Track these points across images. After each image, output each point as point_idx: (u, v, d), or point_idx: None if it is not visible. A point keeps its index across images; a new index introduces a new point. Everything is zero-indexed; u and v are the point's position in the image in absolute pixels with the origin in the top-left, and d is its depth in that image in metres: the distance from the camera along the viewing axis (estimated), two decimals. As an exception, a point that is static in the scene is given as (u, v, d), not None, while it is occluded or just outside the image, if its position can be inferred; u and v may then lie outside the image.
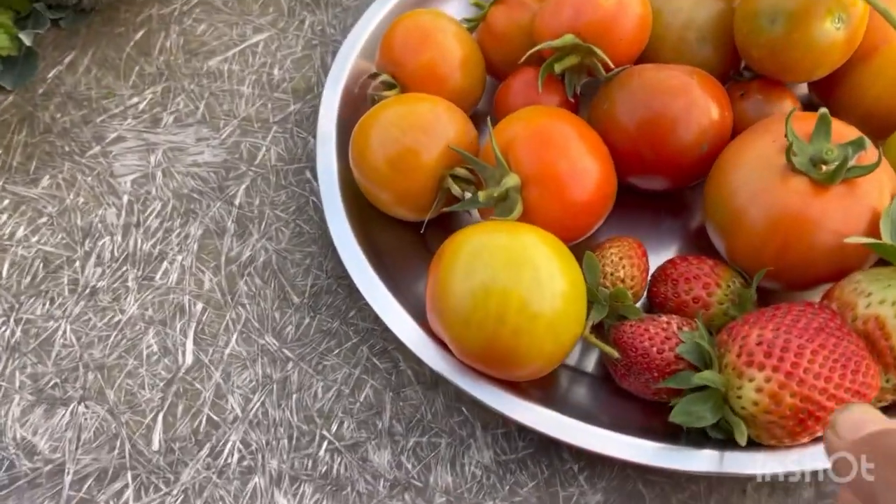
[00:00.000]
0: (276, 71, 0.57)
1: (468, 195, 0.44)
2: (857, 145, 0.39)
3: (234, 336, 0.45)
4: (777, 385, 0.34)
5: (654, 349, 0.38)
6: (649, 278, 0.44)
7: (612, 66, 0.45)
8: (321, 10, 0.60)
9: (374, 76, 0.49)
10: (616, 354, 0.39)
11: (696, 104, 0.44)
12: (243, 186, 0.51)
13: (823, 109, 0.39)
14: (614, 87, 0.45)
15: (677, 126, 0.44)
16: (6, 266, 0.48)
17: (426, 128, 0.44)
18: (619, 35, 0.45)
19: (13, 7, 0.56)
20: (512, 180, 0.41)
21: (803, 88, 0.54)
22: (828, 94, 0.50)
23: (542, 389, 0.41)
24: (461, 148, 0.44)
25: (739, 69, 0.50)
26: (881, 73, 0.46)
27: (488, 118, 0.45)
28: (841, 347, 0.34)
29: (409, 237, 0.47)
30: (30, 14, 0.57)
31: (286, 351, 0.45)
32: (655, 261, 0.45)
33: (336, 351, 0.45)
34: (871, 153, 0.39)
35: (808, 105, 0.53)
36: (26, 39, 0.54)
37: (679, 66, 0.45)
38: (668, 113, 0.43)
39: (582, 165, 0.42)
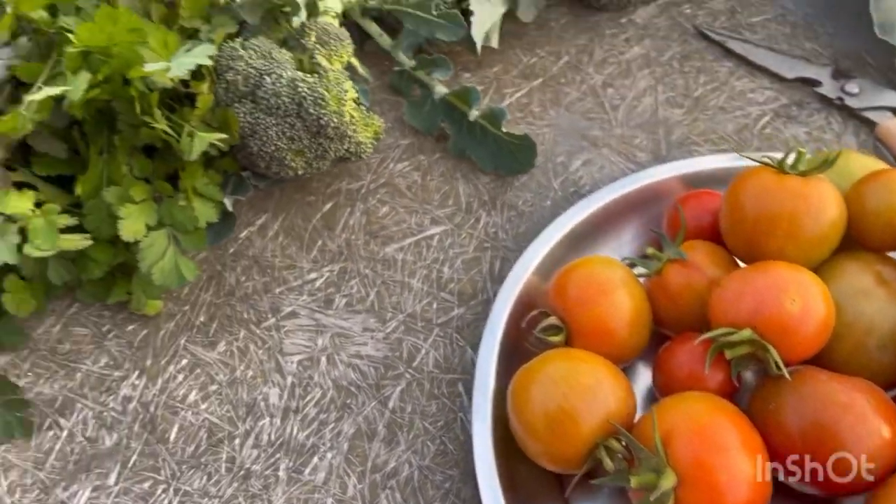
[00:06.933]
0: (446, 269, 0.60)
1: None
2: None
3: (366, 553, 0.47)
4: None
5: None
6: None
7: (783, 368, 0.45)
8: (497, 211, 0.62)
9: (543, 314, 0.51)
10: None
11: (864, 422, 0.43)
12: (398, 389, 0.54)
13: None
14: (784, 388, 0.45)
15: (843, 443, 0.43)
16: (175, 430, 0.52)
17: (588, 395, 0.45)
18: (798, 339, 0.45)
19: (222, 167, 0.61)
20: (669, 481, 0.41)
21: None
22: None
23: None
24: (620, 419, 0.45)
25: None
26: None
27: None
28: None
29: (549, 480, 0.48)
30: (231, 175, 0.61)
31: (414, 581, 0.46)
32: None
33: None
34: None
35: None
36: (228, 204, 0.59)
37: (852, 378, 0.45)
38: (835, 428, 0.43)
39: (740, 470, 0.42)
